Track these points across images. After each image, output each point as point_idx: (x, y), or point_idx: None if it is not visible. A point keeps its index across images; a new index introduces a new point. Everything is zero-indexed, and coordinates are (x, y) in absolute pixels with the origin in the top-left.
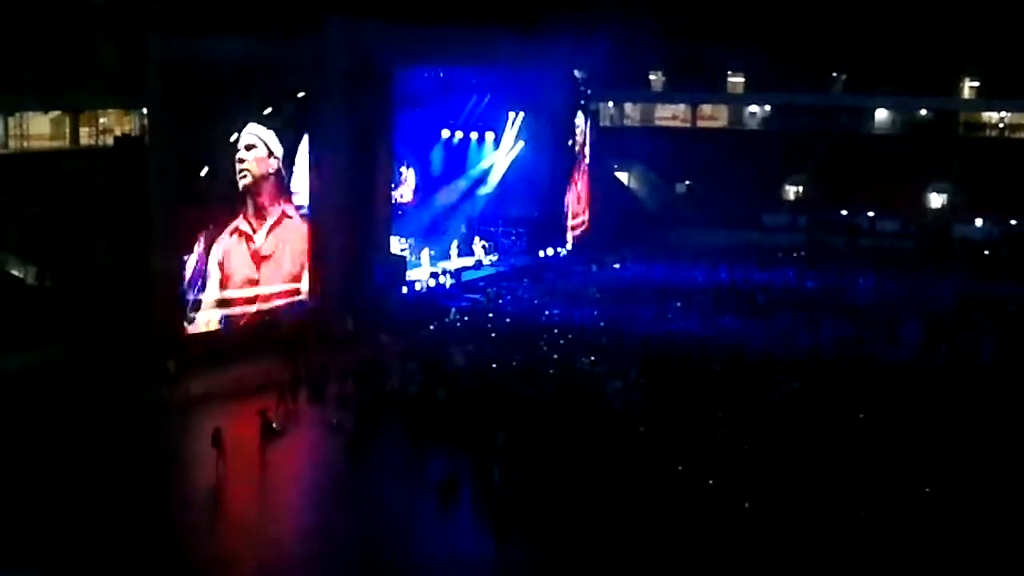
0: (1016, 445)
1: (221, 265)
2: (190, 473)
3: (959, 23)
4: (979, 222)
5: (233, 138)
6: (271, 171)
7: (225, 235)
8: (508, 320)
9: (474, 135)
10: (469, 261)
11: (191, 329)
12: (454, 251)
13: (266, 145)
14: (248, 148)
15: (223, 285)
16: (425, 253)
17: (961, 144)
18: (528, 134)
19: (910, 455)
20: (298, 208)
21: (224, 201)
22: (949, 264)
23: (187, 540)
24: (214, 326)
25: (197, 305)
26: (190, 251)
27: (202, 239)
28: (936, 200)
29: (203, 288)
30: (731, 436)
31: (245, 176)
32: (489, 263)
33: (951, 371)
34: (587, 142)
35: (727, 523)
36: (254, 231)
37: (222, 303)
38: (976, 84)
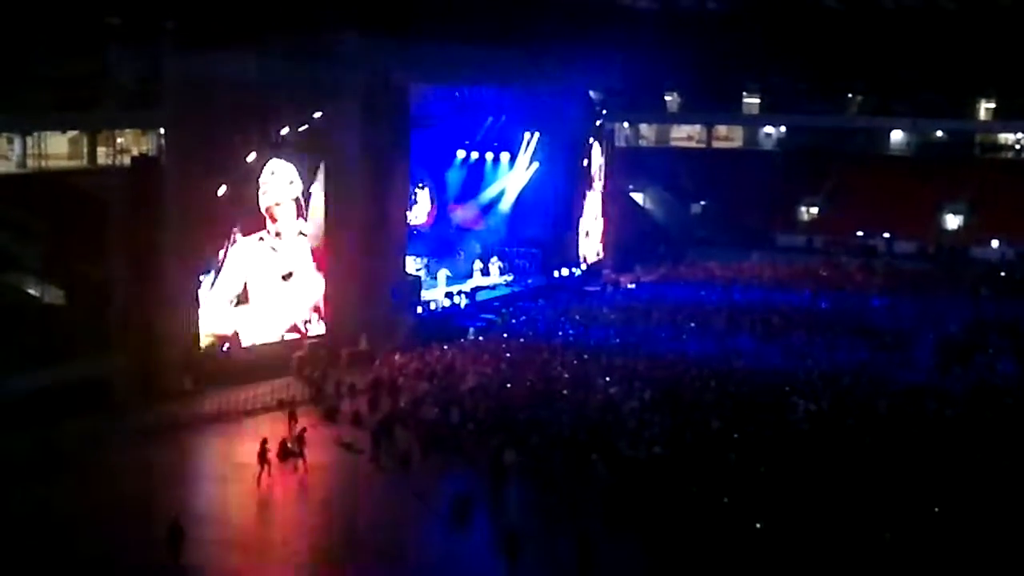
0: None
1: (247, 280)
2: (204, 490)
3: (975, 45)
4: (995, 244)
5: (251, 158)
6: (288, 189)
7: (250, 248)
8: (522, 340)
9: (489, 156)
10: (485, 281)
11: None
12: (477, 271)
13: (284, 163)
14: (267, 165)
15: (248, 298)
16: (442, 273)
17: (977, 165)
18: (543, 155)
19: (925, 477)
20: (312, 231)
21: (241, 220)
22: (964, 286)
23: (201, 559)
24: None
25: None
26: (206, 270)
27: (220, 256)
28: (952, 221)
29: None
30: (746, 457)
31: (263, 190)
32: (504, 283)
33: (967, 393)
34: (603, 163)
35: (743, 544)
36: (273, 248)
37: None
38: (992, 105)
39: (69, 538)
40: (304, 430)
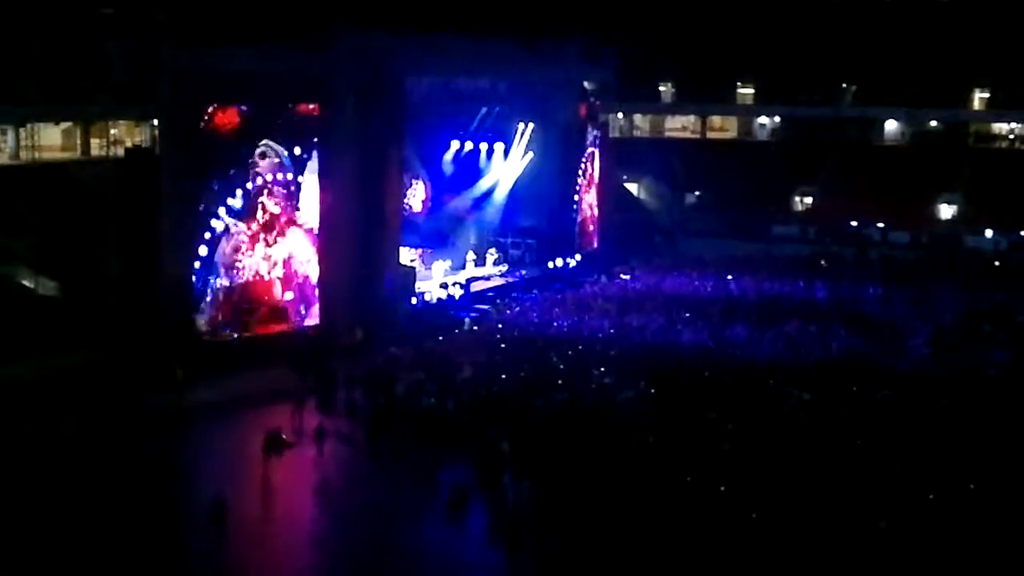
0: None
1: (234, 271)
2: (201, 480)
3: (969, 35)
4: (988, 233)
5: (243, 149)
6: (282, 180)
7: (238, 243)
8: (517, 331)
9: (484, 146)
10: (479, 272)
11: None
12: (471, 262)
13: (278, 154)
14: (262, 156)
15: (235, 291)
16: (437, 264)
17: (971, 155)
18: (538, 145)
19: (920, 466)
20: (306, 222)
21: (235, 211)
22: (958, 275)
23: (197, 550)
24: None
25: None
26: (199, 261)
27: (213, 248)
28: (946, 211)
29: (214, 294)
30: (740, 447)
31: (258, 181)
32: (499, 274)
33: (961, 382)
34: (597, 153)
35: (736, 534)
36: (267, 240)
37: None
38: (986, 95)
39: (69, 529)
40: (321, 426)
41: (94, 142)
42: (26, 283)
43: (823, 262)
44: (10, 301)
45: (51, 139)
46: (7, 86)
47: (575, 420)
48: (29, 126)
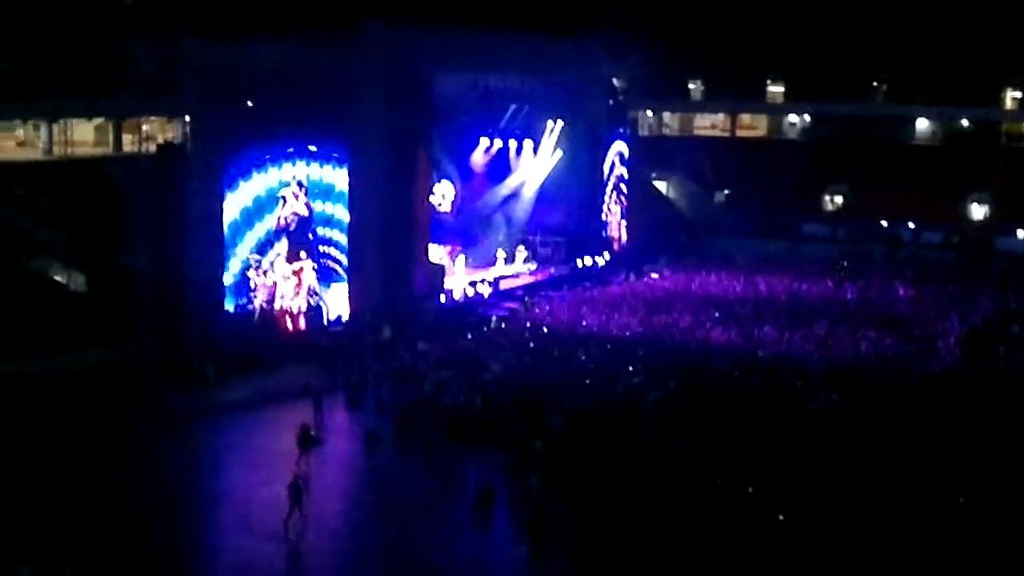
0: None
1: (266, 269)
2: (228, 476)
3: (1001, 33)
4: (1020, 233)
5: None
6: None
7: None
8: (545, 329)
9: (513, 144)
10: (508, 270)
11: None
12: (501, 260)
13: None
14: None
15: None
16: (460, 260)
17: (1002, 155)
18: (567, 143)
19: (949, 469)
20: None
21: (265, 205)
22: (990, 275)
23: (221, 543)
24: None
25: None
26: (231, 257)
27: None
28: (977, 211)
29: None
30: (770, 448)
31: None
32: (528, 272)
33: (992, 383)
34: (626, 151)
35: (765, 535)
36: (289, 256)
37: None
38: (1018, 95)
39: (97, 524)
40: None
41: (126, 138)
42: (58, 278)
43: (844, 263)
44: (43, 295)
45: (84, 135)
46: (40, 82)
47: (603, 419)
48: (62, 122)
